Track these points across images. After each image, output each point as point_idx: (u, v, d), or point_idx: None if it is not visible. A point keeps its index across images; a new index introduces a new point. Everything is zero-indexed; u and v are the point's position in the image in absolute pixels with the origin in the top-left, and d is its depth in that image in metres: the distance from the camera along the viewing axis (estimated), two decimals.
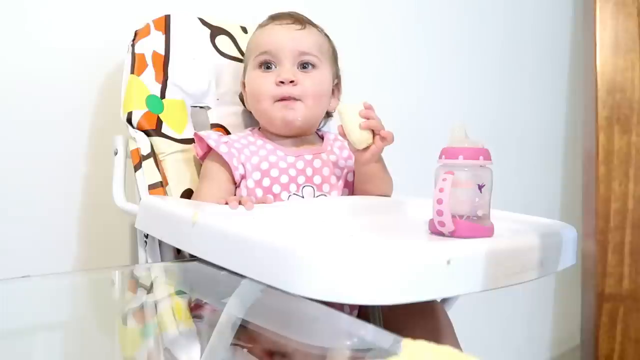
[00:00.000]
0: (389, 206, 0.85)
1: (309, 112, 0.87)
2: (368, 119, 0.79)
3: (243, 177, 0.84)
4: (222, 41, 0.98)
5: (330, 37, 0.95)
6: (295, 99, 0.86)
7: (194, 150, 0.88)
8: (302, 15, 0.92)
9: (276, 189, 0.83)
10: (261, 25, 0.92)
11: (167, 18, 0.94)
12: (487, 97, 1.67)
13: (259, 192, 0.83)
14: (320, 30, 0.93)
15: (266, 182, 0.84)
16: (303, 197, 0.84)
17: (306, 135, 0.91)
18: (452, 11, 1.56)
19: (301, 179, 0.85)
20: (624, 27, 1.75)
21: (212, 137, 0.85)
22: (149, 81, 0.89)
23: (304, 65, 0.88)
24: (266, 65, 0.88)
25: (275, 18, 0.91)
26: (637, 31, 1.75)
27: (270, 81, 0.86)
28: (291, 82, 0.85)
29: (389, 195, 0.89)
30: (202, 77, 0.95)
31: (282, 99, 0.86)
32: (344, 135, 0.81)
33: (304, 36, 0.88)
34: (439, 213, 0.63)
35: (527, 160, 1.80)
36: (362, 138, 0.79)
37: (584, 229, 1.80)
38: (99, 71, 0.97)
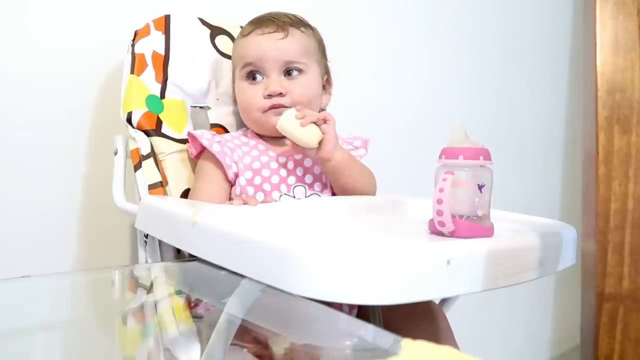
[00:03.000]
0: (389, 206, 0.85)
1: None
2: (303, 117, 0.80)
3: (237, 175, 0.85)
4: (222, 41, 0.98)
5: (315, 29, 0.93)
6: (285, 106, 0.86)
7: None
8: (284, 17, 0.90)
9: (267, 187, 0.84)
10: (243, 34, 0.90)
11: (167, 18, 0.94)
12: (487, 97, 1.67)
13: (250, 190, 0.84)
14: (304, 29, 0.90)
15: (257, 180, 0.84)
16: (294, 197, 0.85)
17: None
18: (452, 11, 1.56)
19: (292, 180, 0.85)
20: (624, 27, 1.75)
21: (205, 137, 0.85)
22: (148, 81, 0.89)
23: (290, 72, 0.87)
24: (252, 76, 0.88)
25: (256, 25, 0.89)
26: (637, 31, 1.75)
27: (258, 93, 0.86)
28: (279, 94, 0.86)
29: (372, 185, 0.88)
30: (202, 77, 0.95)
31: (272, 107, 0.86)
32: (296, 147, 0.83)
33: (287, 45, 0.87)
34: (439, 213, 0.63)
35: (527, 160, 1.80)
36: (311, 134, 0.81)
37: (584, 229, 1.80)
38: (99, 71, 0.97)
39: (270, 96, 0.86)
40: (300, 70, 0.88)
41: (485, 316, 1.61)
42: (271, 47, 0.86)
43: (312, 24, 0.93)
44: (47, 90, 0.92)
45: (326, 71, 0.94)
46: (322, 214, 0.76)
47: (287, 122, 0.81)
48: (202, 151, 0.86)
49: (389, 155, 0.87)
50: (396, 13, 1.43)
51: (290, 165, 0.87)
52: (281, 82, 0.86)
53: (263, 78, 0.87)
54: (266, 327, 0.60)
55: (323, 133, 0.81)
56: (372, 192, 0.89)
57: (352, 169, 0.85)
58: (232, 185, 0.85)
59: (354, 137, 0.95)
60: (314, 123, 0.81)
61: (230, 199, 0.85)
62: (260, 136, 0.90)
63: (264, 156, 0.87)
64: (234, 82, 0.93)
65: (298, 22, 0.90)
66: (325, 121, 0.81)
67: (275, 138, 0.89)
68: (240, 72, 0.89)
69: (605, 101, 1.75)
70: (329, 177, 0.87)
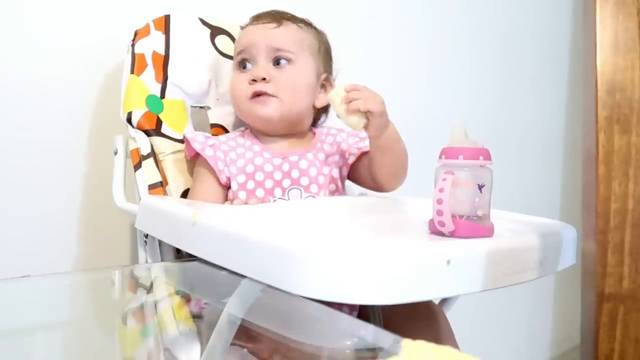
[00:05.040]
0: (389, 206, 0.85)
1: (285, 107, 0.86)
2: (349, 102, 0.77)
3: (229, 179, 0.84)
4: (222, 41, 0.98)
5: (322, 32, 0.94)
6: (269, 95, 0.85)
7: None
8: (284, 13, 0.91)
9: (260, 193, 0.83)
10: (242, 27, 0.93)
11: (167, 18, 0.94)
12: (487, 97, 1.67)
13: (243, 195, 0.83)
14: (303, 26, 0.90)
15: (250, 185, 0.84)
16: (289, 200, 0.84)
17: (296, 133, 0.91)
18: (452, 11, 1.56)
19: (286, 183, 0.85)
20: (624, 27, 1.75)
21: (198, 140, 0.85)
22: (148, 81, 0.89)
23: (278, 62, 0.87)
24: (243, 65, 0.89)
25: (255, 18, 0.91)
26: (637, 31, 1.75)
27: (245, 80, 0.87)
28: (263, 79, 0.85)
29: (403, 166, 0.87)
30: (202, 77, 0.95)
31: (257, 95, 0.86)
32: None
33: (278, 33, 0.87)
34: (439, 213, 0.63)
35: (527, 160, 1.80)
36: (354, 122, 0.79)
37: (584, 229, 1.80)
38: (99, 71, 0.97)
39: (254, 81, 0.86)
40: (289, 60, 0.87)
41: (485, 316, 1.61)
42: (262, 34, 0.88)
43: (320, 28, 0.94)
44: (47, 90, 0.92)
45: (326, 71, 0.93)
46: (322, 214, 0.76)
47: (335, 103, 0.79)
48: (198, 153, 0.86)
49: None
50: (396, 13, 1.43)
51: (286, 167, 0.86)
52: (267, 69, 0.86)
53: (253, 66, 0.88)
54: (266, 327, 0.60)
55: (367, 125, 0.78)
56: (403, 173, 0.88)
57: (391, 150, 0.84)
58: (228, 188, 0.85)
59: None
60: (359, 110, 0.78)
61: (227, 200, 0.85)
62: (256, 136, 0.90)
63: (259, 158, 0.86)
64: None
65: (298, 19, 0.91)
66: (370, 112, 0.77)
67: (270, 136, 0.89)
68: (235, 62, 0.91)
69: (605, 101, 1.75)
70: (371, 148, 0.84)
